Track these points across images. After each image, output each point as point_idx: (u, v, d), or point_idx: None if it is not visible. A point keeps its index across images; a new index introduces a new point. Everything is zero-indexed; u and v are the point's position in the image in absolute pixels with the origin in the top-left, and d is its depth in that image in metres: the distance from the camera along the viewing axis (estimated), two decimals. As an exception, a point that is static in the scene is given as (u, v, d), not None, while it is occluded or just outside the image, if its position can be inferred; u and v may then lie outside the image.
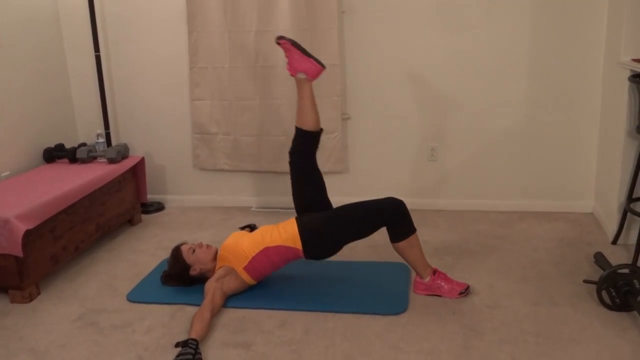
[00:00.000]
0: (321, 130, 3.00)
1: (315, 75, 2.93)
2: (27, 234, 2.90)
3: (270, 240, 2.84)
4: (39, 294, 3.05)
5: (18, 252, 2.84)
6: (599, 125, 3.83)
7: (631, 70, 3.19)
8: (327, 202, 3.00)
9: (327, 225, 2.83)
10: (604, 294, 2.69)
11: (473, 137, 4.00)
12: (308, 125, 2.95)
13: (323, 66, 2.93)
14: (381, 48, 3.96)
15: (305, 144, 2.97)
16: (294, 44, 2.93)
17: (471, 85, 3.92)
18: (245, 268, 2.86)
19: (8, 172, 3.67)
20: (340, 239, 2.85)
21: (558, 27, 3.73)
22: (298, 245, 2.81)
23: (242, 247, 2.86)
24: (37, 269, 3.03)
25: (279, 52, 3.94)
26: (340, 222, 2.83)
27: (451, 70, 3.91)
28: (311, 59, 2.91)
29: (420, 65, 3.94)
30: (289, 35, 3.85)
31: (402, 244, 2.84)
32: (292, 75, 2.97)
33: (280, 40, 2.96)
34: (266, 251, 2.83)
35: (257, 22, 3.95)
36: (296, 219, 2.91)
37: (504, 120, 3.94)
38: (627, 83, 3.22)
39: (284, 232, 2.85)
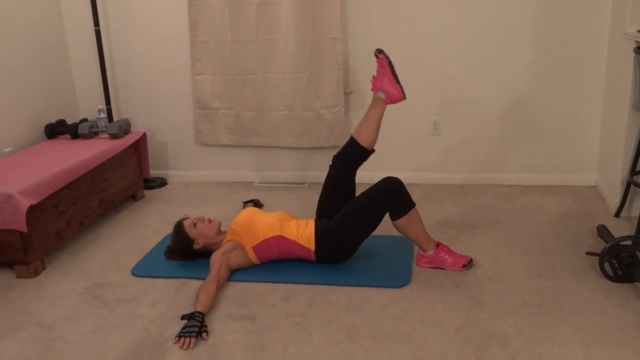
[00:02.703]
0: (373, 151, 3.01)
1: (393, 102, 2.95)
2: (31, 209, 2.91)
3: (288, 232, 2.87)
4: (44, 268, 3.07)
5: (22, 227, 2.85)
6: (603, 98, 3.81)
7: (636, 41, 3.15)
8: None
9: (337, 231, 2.85)
10: (606, 265, 2.70)
11: (476, 110, 3.98)
12: (364, 141, 2.97)
13: (405, 97, 2.95)
14: (384, 21, 3.92)
15: (352, 156, 3.00)
16: (390, 65, 2.93)
17: (474, 58, 3.88)
18: (254, 247, 2.87)
19: (10, 148, 3.67)
20: (352, 243, 2.89)
21: (563, -2, 3.69)
22: (312, 246, 2.85)
23: (256, 226, 2.89)
24: (41, 244, 3.05)
25: (281, 25, 3.92)
26: (348, 225, 2.84)
27: (454, 43, 3.88)
28: (398, 86, 2.92)
29: (423, 38, 3.91)
30: (293, 6, 3.83)
31: (402, 221, 2.84)
32: (372, 89, 2.98)
33: (379, 54, 2.96)
34: (279, 239, 2.86)
35: (258, -6, 3.91)
36: (315, 221, 2.93)
37: (507, 94, 3.92)
38: (632, 55, 3.19)
39: (303, 231, 2.87)
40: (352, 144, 2.99)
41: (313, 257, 2.88)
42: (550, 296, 2.60)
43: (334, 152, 3.07)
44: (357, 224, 2.84)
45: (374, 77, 2.99)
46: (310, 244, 2.85)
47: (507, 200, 3.79)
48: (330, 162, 3.05)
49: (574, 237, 3.18)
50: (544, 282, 2.73)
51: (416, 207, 2.87)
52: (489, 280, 2.76)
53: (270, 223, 2.90)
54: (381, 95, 2.95)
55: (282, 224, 2.90)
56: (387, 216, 2.88)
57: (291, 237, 2.86)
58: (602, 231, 3.03)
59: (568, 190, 3.90)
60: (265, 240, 2.86)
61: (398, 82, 2.93)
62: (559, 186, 3.98)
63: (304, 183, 4.29)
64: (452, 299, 2.61)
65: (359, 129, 3.00)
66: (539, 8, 3.73)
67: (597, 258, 2.77)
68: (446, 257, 2.87)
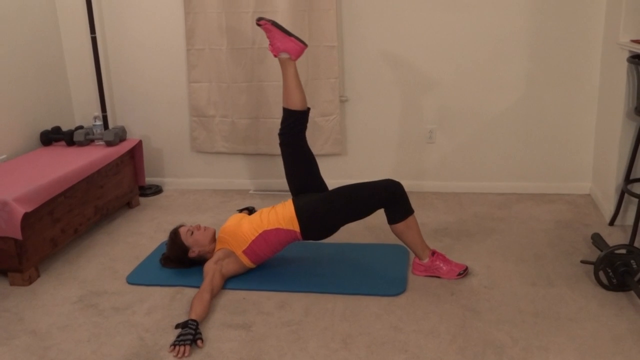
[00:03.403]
0: (308, 109, 3.01)
1: (298, 54, 2.94)
2: (26, 216, 2.90)
3: (268, 223, 2.84)
4: (38, 276, 3.06)
5: (17, 234, 2.84)
6: (597, 106, 3.83)
7: (630, 51, 3.18)
8: (321, 182, 3.01)
9: (324, 207, 2.84)
10: (601, 274, 2.71)
11: (471, 119, 4.00)
12: (295, 105, 2.95)
13: (305, 44, 2.94)
14: (379, 29, 3.94)
15: (293, 124, 2.98)
16: (275, 25, 2.94)
17: (469, 67, 3.90)
18: (244, 251, 2.86)
19: (5, 156, 3.66)
20: (337, 221, 2.86)
21: (557, 7, 3.71)
22: (295, 227, 2.82)
23: (241, 231, 2.87)
24: (36, 252, 3.04)
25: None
26: (337, 204, 2.83)
27: (449, 51, 3.90)
28: (293, 38, 2.92)
29: (419, 46, 3.92)
30: (288, 14, 3.84)
31: (399, 226, 2.85)
32: (275, 55, 2.98)
33: (260, 21, 2.97)
34: (264, 234, 2.84)
35: (254, 2, 3.92)
36: (293, 200, 2.91)
37: (502, 102, 3.94)
38: (626, 64, 3.21)
39: (281, 214, 2.85)
40: (287, 113, 2.98)
41: (300, 237, 2.85)
42: (546, 305, 2.61)
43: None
44: (346, 208, 2.82)
45: (269, 44, 2.99)
46: (294, 225, 2.81)
47: (502, 208, 3.80)
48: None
49: (569, 246, 3.19)
50: (539, 290, 2.73)
51: (414, 214, 2.87)
52: (484, 288, 2.77)
53: (252, 223, 2.88)
54: (284, 55, 2.95)
55: (263, 219, 2.87)
56: (385, 222, 2.88)
57: (273, 227, 2.83)
58: (597, 240, 3.04)
59: (563, 199, 3.92)
60: (253, 242, 2.85)
61: (291, 34, 2.94)
62: (553, 194, 4.00)
63: (300, 191, 4.28)
64: (448, 307, 2.62)
65: (285, 98, 2.98)
66: (534, 17, 3.76)
67: (591, 266, 2.78)
68: (441, 265, 2.87)
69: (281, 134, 3.00)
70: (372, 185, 2.84)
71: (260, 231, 2.84)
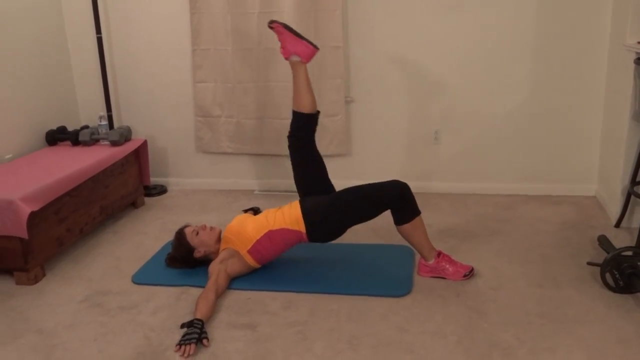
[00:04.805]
0: (318, 112, 3.00)
1: (308, 58, 2.95)
2: (32, 215, 2.90)
3: (274, 223, 2.84)
4: (44, 275, 3.06)
5: (23, 233, 2.85)
6: (603, 108, 3.82)
7: (637, 53, 3.17)
8: (329, 184, 3.00)
9: (330, 209, 2.83)
10: (607, 276, 2.70)
11: (476, 120, 3.99)
12: (305, 108, 2.96)
13: (316, 48, 2.95)
14: (385, 30, 3.93)
15: (303, 127, 2.98)
16: (287, 27, 2.94)
17: (475, 68, 3.90)
18: (249, 251, 2.86)
19: (11, 155, 3.67)
20: (343, 223, 2.85)
21: (563, 9, 3.71)
22: (301, 228, 2.81)
23: (246, 230, 2.86)
24: (42, 251, 3.04)
25: (283, 34, 3.93)
26: (344, 206, 2.83)
27: (455, 52, 3.89)
28: (304, 41, 2.93)
29: (424, 47, 3.92)
30: (294, 15, 3.84)
31: (406, 227, 2.84)
32: (285, 58, 2.99)
33: (272, 24, 2.97)
34: (270, 234, 2.83)
35: (260, 3, 3.92)
36: (299, 202, 2.91)
37: (507, 103, 3.93)
38: (632, 66, 3.20)
39: (288, 215, 2.84)
40: (296, 116, 2.99)
41: (305, 238, 2.84)
42: (552, 306, 2.60)
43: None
44: (353, 210, 2.81)
45: (280, 47, 2.99)
46: (300, 226, 2.81)
47: (507, 209, 3.79)
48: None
49: (575, 247, 3.18)
50: (545, 292, 2.73)
51: (421, 215, 2.87)
52: (490, 290, 2.76)
53: (258, 223, 2.88)
54: (295, 58, 2.95)
55: (269, 219, 2.87)
56: (390, 224, 2.87)
57: (279, 227, 2.82)
58: (603, 241, 3.03)
59: (568, 200, 3.91)
60: (258, 241, 2.84)
61: (302, 37, 2.94)
62: (559, 196, 3.99)
63: (305, 191, 4.28)
64: (454, 308, 2.61)
65: (295, 100, 2.99)
66: (540, 19, 3.75)
67: (598, 268, 2.77)
68: (447, 266, 2.87)
69: (290, 136, 3.00)
70: (378, 186, 2.83)
71: (265, 231, 2.84)
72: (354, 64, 4.03)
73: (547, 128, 3.93)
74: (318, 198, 2.89)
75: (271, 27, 2.97)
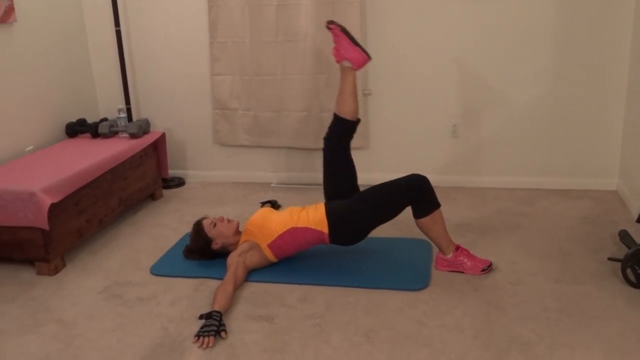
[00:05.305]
0: (359, 120, 3.00)
1: (360, 65, 2.94)
2: (52, 207, 2.94)
3: (298, 221, 2.85)
4: (64, 266, 3.10)
5: (44, 224, 2.89)
6: (626, 100, 3.76)
7: (661, 44, 3.11)
8: (357, 191, 3.00)
9: (353, 212, 2.82)
10: (628, 271, 2.66)
11: (496, 113, 3.95)
12: (346, 114, 2.96)
13: (369, 57, 2.93)
14: (403, 22, 3.91)
15: (341, 132, 2.99)
16: (344, 31, 2.92)
17: (494, 60, 3.86)
18: (269, 245, 2.87)
19: (32, 147, 3.71)
20: (367, 225, 2.86)
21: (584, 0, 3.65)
22: (324, 229, 2.82)
23: (270, 225, 2.88)
24: (62, 242, 3.08)
25: (300, 27, 3.92)
26: (366, 208, 2.81)
27: (474, 44, 3.86)
28: (358, 49, 2.91)
29: (443, 40, 3.89)
30: (312, 7, 3.83)
31: (426, 220, 2.83)
32: (337, 61, 2.98)
33: (330, 25, 2.95)
34: (292, 231, 2.85)
35: (278, -5, 3.92)
36: (325, 204, 2.92)
37: (527, 96, 3.89)
38: (656, 58, 3.15)
39: (313, 216, 2.86)
40: (337, 120, 2.98)
41: (327, 239, 2.85)
42: (571, 302, 2.57)
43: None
44: (374, 210, 2.81)
45: (334, 48, 2.97)
46: (323, 227, 2.82)
47: (526, 204, 3.76)
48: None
49: (595, 242, 3.15)
50: (564, 287, 2.70)
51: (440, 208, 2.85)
52: (508, 284, 2.74)
53: (281, 219, 2.89)
54: (347, 64, 2.94)
55: (293, 217, 2.88)
56: (408, 217, 2.86)
57: (303, 225, 2.84)
58: (624, 236, 2.99)
59: (589, 195, 3.86)
60: (280, 236, 2.86)
61: (358, 44, 2.92)
62: (579, 190, 3.94)
63: (322, 185, 4.27)
64: (472, 303, 2.59)
65: (338, 104, 2.98)
66: (561, 9, 3.69)
67: (618, 264, 2.73)
68: (465, 260, 2.85)
69: (327, 139, 3.01)
70: (397, 184, 2.82)
71: (288, 227, 2.85)
72: (372, 57, 3.99)
73: (568, 121, 3.88)
74: (342, 202, 2.89)
75: (329, 28, 2.96)
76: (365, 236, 2.89)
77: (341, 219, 2.82)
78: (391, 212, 2.82)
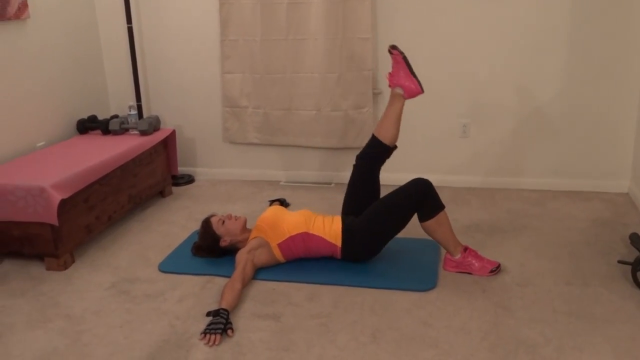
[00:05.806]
0: (395, 147, 3.01)
1: (412, 96, 2.95)
2: (62, 203, 2.96)
3: (312, 228, 2.87)
4: (73, 262, 3.12)
5: (54, 220, 2.90)
6: (638, 102, 3.73)
7: (675, 45, 3.08)
8: None
9: (366, 235, 2.84)
10: (639, 275, 2.64)
11: (506, 113, 3.93)
12: (385, 138, 2.98)
13: (422, 90, 2.94)
14: (414, 21, 3.89)
15: (375, 155, 3.01)
16: (405, 59, 2.94)
17: (505, 60, 3.83)
18: (279, 244, 2.87)
19: (43, 142, 3.74)
20: (378, 247, 2.89)
21: (598, 1, 3.61)
22: (338, 243, 2.84)
23: (282, 224, 2.89)
24: (71, 238, 3.10)
25: (311, 25, 3.92)
26: (377, 231, 2.83)
27: (485, 44, 3.83)
28: (415, 80, 2.92)
29: (454, 39, 3.87)
30: (324, 5, 3.82)
31: (430, 223, 2.81)
32: (390, 86, 2.99)
33: (393, 50, 2.96)
34: (305, 236, 2.86)
35: (289, -6, 3.91)
36: (342, 219, 2.92)
37: (539, 96, 3.86)
38: (670, 59, 3.12)
39: (329, 227, 2.87)
40: (374, 142, 2.99)
41: (338, 254, 2.87)
42: (580, 304, 2.55)
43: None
44: (385, 224, 2.82)
45: (390, 73, 2.98)
46: (337, 241, 2.84)
47: (536, 205, 3.73)
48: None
49: (605, 245, 3.12)
50: (573, 290, 2.68)
51: (445, 209, 2.84)
52: (517, 286, 2.72)
53: (295, 220, 2.90)
54: (399, 90, 2.94)
55: (308, 222, 2.89)
56: (414, 218, 2.85)
57: (317, 234, 2.86)
58: (635, 239, 2.96)
59: (600, 197, 3.83)
60: (291, 237, 2.86)
61: (415, 75, 2.92)
62: (590, 192, 3.91)
63: (331, 183, 4.28)
64: (479, 304, 2.58)
65: (380, 127, 2.99)
66: (574, 8, 3.66)
67: (629, 267, 2.71)
68: (474, 261, 2.83)
69: (360, 157, 3.03)
70: (400, 192, 2.82)
71: (301, 230, 2.86)
72: (382, 56, 3.99)
73: (579, 122, 3.85)
74: (356, 220, 2.89)
75: (390, 52, 2.97)
76: (377, 252, 2.91)
77: (353, 234, 2.84)
78: (400, 223, 2.84)
